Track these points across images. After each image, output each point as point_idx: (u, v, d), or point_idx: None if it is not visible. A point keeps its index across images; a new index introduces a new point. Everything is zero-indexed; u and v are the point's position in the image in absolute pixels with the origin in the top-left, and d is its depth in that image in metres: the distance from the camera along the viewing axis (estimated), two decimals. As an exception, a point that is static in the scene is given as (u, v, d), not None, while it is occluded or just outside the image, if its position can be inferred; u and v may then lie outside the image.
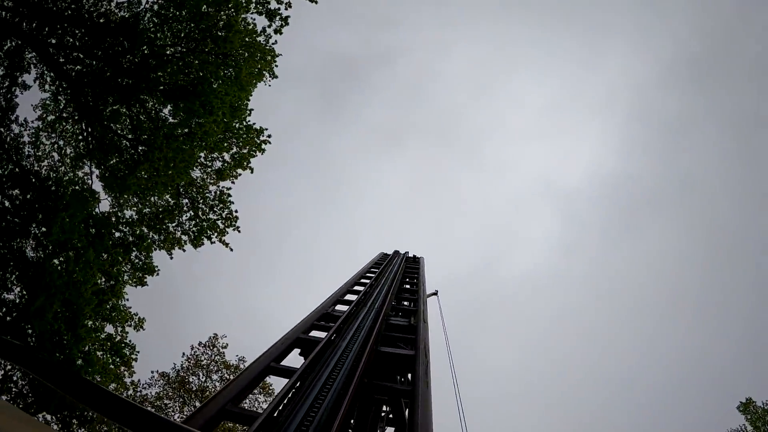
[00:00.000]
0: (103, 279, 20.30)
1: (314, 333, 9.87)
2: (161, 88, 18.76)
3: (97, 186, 20.82)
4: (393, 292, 12.79)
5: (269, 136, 21.53)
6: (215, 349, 29.92)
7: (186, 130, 19.01)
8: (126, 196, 20.85)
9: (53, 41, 20.10)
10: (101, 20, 19.80)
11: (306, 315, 10.19)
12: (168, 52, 19.21)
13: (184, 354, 30.07)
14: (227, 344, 30.12)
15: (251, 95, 20.92)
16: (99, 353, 20.70)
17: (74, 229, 18.15)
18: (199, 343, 30.14)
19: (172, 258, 22.03)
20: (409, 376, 8.87)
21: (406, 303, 13.68)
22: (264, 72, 20.54)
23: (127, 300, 21.65)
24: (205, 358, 29.72)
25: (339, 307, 11.84)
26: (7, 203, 20.16)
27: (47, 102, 21.61)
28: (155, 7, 19.67)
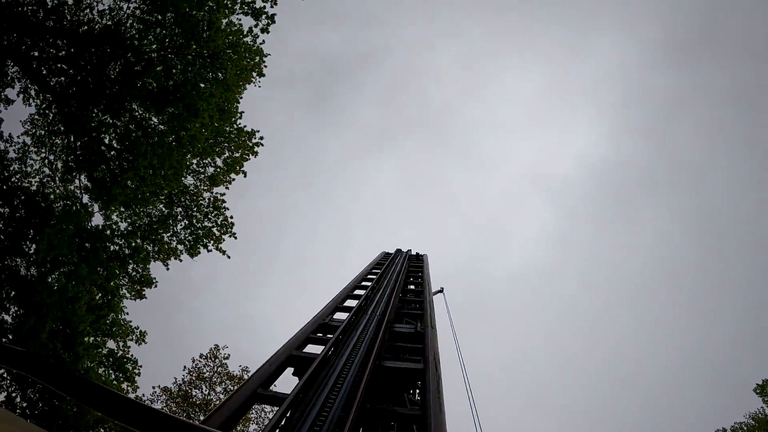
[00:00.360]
0: (100, 294, 19.18)
1: (311, 347, 8.60)
2: (147, 95, 17.59)
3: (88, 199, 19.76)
4: (396, 295, 11.47)
5: (261, 138, 20.41)
6: (217, 360, 28.37)
7: (174, 137, 17.87)
8: (114, 208, 19.62)
9: (35, 53, 18.90)
10: (83, 29, 18.64)
11: (301, 327, 8.90)
12: (153, 56, 18.03)
13: (185, 367, 28.72)
14: (229, 355, 28.68)
15: (241, 97, 19.75)
16: (100, 370, 19.58)
17: (63, 244, 16.92)
18: (201, 355, 28.62)
19: (168, 269, 20.79)
20: (419, 391, 7.60)
21: (411, 304, 12.38)
22: (253, 72, 19.38)
23: (127, 314, 20.56)
24: (207, 371, 28.14)
25: (339, 315, 10.56)
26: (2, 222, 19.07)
27: (35, 117, 20.37)
28: (137, 12, 18.50)
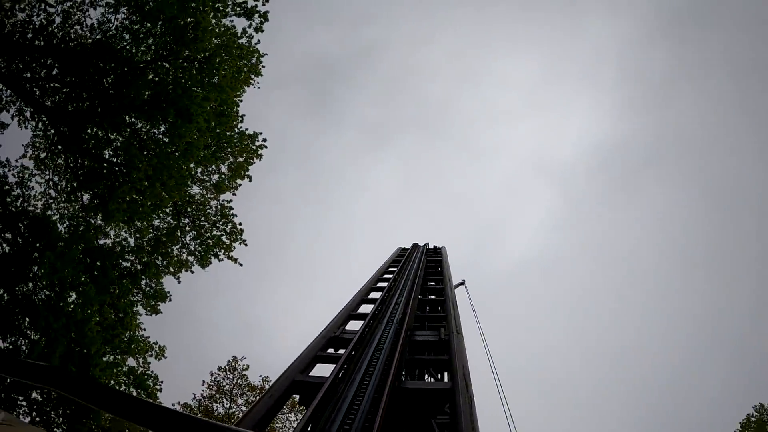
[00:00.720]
0: (113, 313, 18.10)
1: (320, 367, 7.29)
2: (141, 105, 16.50)
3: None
4: (415, 296, 10.05)
5: (264, 140, 19.15)
6: (236, 372, 27.02)
7: (174, 147, 16.79)
8: (120, 224, 18.54)
9: (27, 75, 17.83)
10: (73, 45, 17.57)
11: (308, 344, 7.58)
12: (144, 66, 16.94)
13: (204, 382, 27.39)
14: (248, 365, 27.29)
15: (240, 100, 18.51)
16: (121, 389, 18.59)
17: (66, 266, 15.86)
18: (219, 368, 27.28)
19: (179, 282, 19.70)
20: (448, 416, 6.25)
21: (432, 305, 11.04)
22: (250, 74, 18.22)
23: (144, 330, 19.49)
24: (227, 383, 26.89)
25: (352, 325, 9.23)
26: (6, 247, 18.07)
27: (37, 140, 19.26)
28: (126, 23, 17.38)
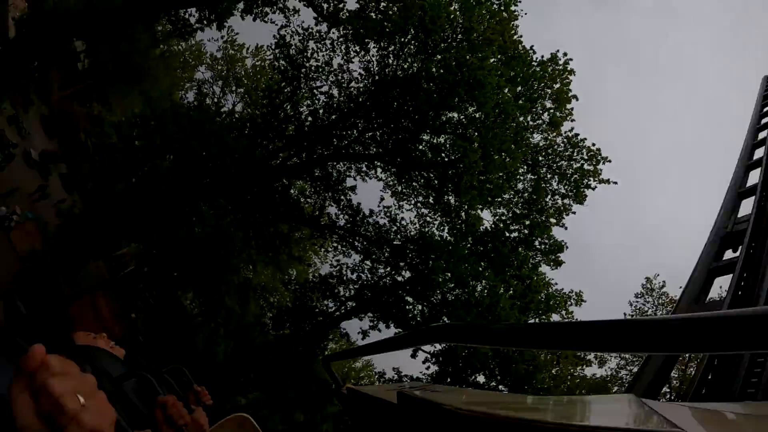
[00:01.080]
0: (519, 283, 18.68)
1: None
2: (440, 101, 17.10)
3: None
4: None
5: (565, 54, 18.05)
6: (654, 293, 25.72)
7: (492, 119, 16.90)
8: (483, 206, 19.25)
9: (344, 143, 19.93)
10: (358, 98, 19.07)
11: (697, 259, 6.37)
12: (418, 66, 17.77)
13: (625, 314, 25.21)
14: (664, 281, 25.64)
15: (517, 36, 17.78)
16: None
17: (458, 264, 17.30)
18: (636, 295, 26.35)
19: (566, 229, 19.49)
20: None
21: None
22: (509, 8, 17.50)
23: (556, 284, 19.65)
24: (648, 307, 25.75)
25: (744, 206, 7.55)
26: (407, 273, 20.18)
27: (388, 181, 21.28)
28: (382, 53, 18.39)
